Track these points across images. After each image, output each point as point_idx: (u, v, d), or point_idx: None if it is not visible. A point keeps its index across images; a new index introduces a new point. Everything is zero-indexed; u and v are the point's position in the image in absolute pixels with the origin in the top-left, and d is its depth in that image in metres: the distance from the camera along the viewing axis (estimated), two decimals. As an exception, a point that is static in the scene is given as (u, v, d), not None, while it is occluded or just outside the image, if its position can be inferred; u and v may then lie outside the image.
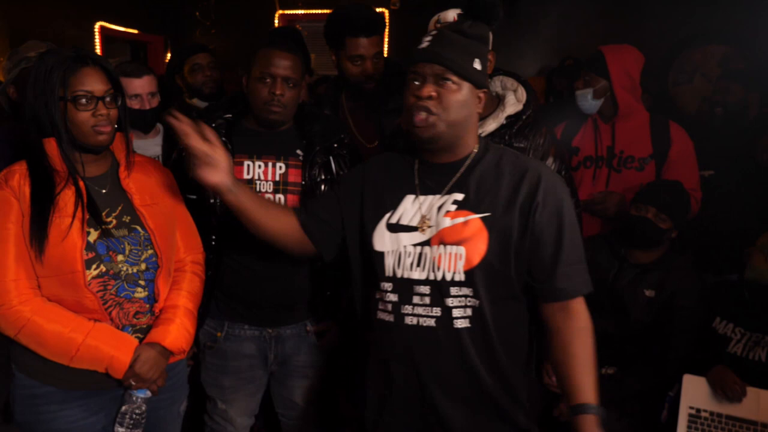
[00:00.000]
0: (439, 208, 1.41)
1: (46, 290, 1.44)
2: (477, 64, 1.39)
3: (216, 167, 1.42)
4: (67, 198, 1.43)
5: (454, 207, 1.40)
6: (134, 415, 1.54)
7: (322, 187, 1.89)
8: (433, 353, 1.40)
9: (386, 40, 4.63)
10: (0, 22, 3.57)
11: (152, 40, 4.95)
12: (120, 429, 1.54)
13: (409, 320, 1.40)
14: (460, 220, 1.38)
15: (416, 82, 1.39)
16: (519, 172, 1.41)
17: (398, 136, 2.07)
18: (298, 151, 1.88)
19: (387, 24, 4.55)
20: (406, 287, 1.41)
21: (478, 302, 1.37)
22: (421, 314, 1.39)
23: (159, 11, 4.80)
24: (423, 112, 1.36)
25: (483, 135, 1.79)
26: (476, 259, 1.36)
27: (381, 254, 1.44)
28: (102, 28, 4.36)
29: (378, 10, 4.47)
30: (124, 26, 4.57)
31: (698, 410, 2.06)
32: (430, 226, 1.40)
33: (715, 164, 2.75)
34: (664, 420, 2.14)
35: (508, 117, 1.84)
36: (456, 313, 1.37)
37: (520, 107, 1.85)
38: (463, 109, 1.39)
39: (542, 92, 4.06)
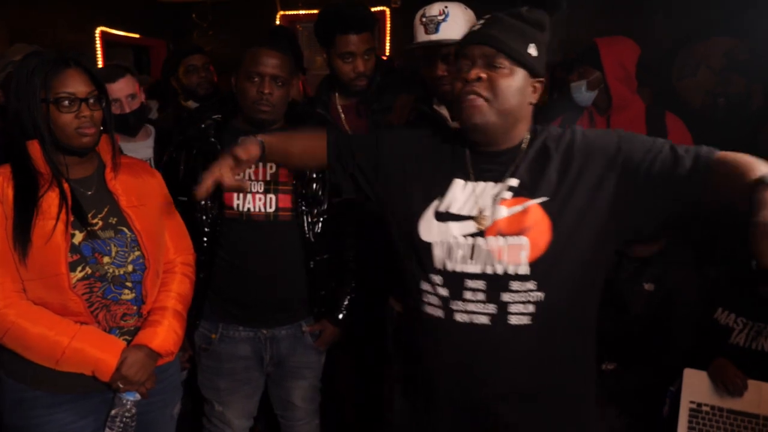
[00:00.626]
0: (494, 197, 1.29)
1: (32, 293, 1.44)
2: (533, 50, 1.27)
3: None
4: (50, 200, 1.42)
5: (509, 195, 1.28)
6: (124, 419, 1.53)
7: (314, 185, 1.88)
8: (488, 352, 1.28)
9: (387, 38, 4.63)
10: (0, 27, 3.60)
11: (154, 45, 4.97)
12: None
13: (459, 317, 1.28)
14: (518, 208, 1.26)
15: (465, 66, 1.28)
16: (564, 145, 1.29)
17: (389, 132, 2.06)
18: None
19: (388, 22, 4.56)
20: (456, 281, 1.29)
21: (543, 295, 1.24)
22: (474, 311, 1.27)
23: (160, 15, 4.82)
24: (473, 95, 1.25)
25: None
26: (542, 248, 1.23)
27: (428, 245, 1.32)
28: (103, 32, 4.39)
29: (379, 8, 4.50)
30: (125, 31, 4.59)
31: (699, 404, 2.03)
32: (487, 216, 1.28)
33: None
34: (666, 415, 2.12)
35: None
36: (513, 309, 1.25)
37: None
38: (516, 96, 1.26)
39: (546, 88, 4.03)
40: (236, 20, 4.58)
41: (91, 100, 1.44)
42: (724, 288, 2.21)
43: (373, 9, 4.29)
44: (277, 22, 4.60)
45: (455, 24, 1.71)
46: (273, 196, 1.85)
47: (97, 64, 4.06)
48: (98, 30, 4.36)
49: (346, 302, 1.98)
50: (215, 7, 4.62)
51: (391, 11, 4.51)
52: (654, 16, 4.08)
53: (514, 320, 1.25)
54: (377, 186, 1.43)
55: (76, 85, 1.41)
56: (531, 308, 1.24)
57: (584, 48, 2.42)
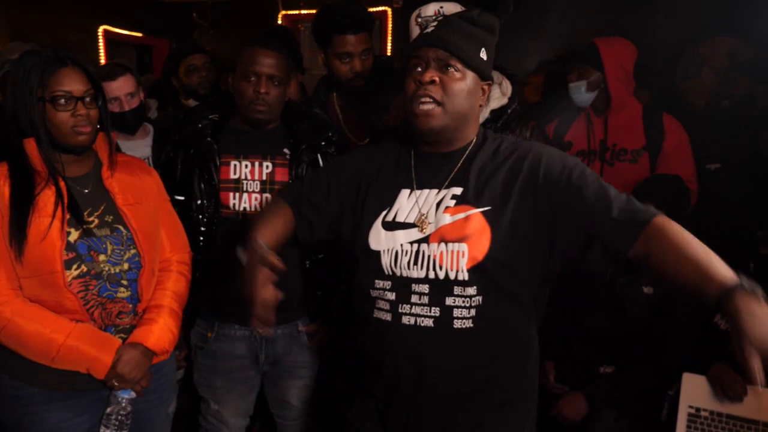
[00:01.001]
0: (438, 204, 1.35)
1: (28, 291, 1.44)
2: (483, 54, 1.33)
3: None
4: (46, 198, 1.43)
5: (453, 202, 1.33)
6: (119, 416, 1.54)
7: None
8: (432, 353, 1.33)
9: (389, 38, 4.62)
10: (2, 26, 3.60)
11: (157, 44, 4.97)
12: (105, 430, 1.54)
13: (406, 320, 1.34)
14: (461, 215, 1.31)
15: (418, 68, 1.32)
16: (515, 156, 1.34)
17: (387, 132, 2.06)
18: (285, 150, 1.87)
19: (390, 22, 4.55)
20: (403, 286, 1.34)
21: (481, 300, 1.30)
22: (419, 314, 1.33)
23: (163, 14, 4.82)
24: (428, 102, 1.30)
25: None
26: (480, 256, 1.28)
27: (376, 254, 1.38)
28: (105, 31, 4.39)
29: (381, 8, 4.49)
30: (128, 30, 4.59)
31: (698, 409, 2.02)
32: (429, 223, 1.34)
33: (722, 157, 2.70)
34: (664, 419, 2.10)
35: (493, 111, 1.81)
36: (456, 313, 1.31)
37: (504, 101, 1.82)
38: (467, 99, 1.33)
39: (538, 89, 4.02)
40: (238, 20, 4.57)
41: (87, 99, 1.44)
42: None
43: (374, 9, 4.32)
44: (279, 22, 4.60)
45: None
46: (269, 196, 1.85)
47: (99, 63, 4.07)
48: (101, 29, 4.36)
49: (340, 301, 1.97)
50: (216, 7, 4.61)
51: (392, 11, 4.49)
52: (656, 16, 4.06)
53: (457, 324, 1.30)
54: (333, 218, 1.51)
55: (72, 83, 1.42)
56: (473, 312, 1.30)
57: (583, 48, 2.42)
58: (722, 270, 1.10)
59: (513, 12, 1.85)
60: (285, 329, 1.95)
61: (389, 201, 1.40)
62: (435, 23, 1.35)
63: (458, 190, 1.34)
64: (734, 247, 2.29)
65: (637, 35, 2.47)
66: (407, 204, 1.38)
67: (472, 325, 1.30)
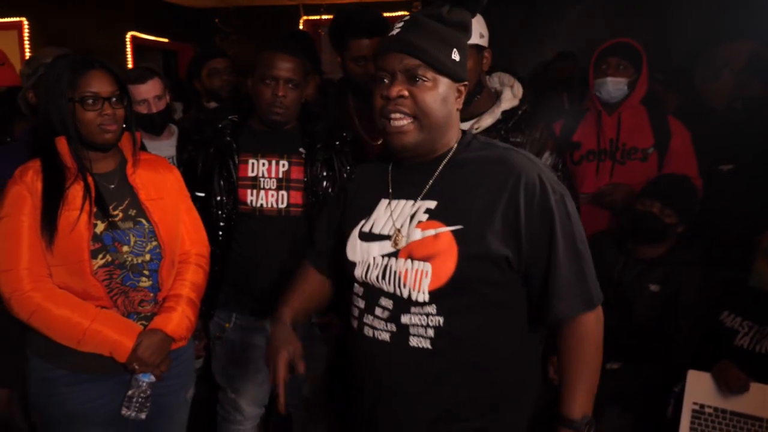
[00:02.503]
0: (412, 216, 1.26)
1: (57, 278, 1.54)
2: (455, 55, 1.21)
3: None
4: (75, 192, 1.53)
5: (425, 217, 1.24)
6: (140, 399, 1.62)
7: (324, 183, 1.96)
8: (388, 368, 1.29)
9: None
10: (39, 31, 3.77)
11: (182, 49, 5.13)
12: (126, 411, 1.62)
13: (366, 330, 1.30)
14: (431, 232, 1.22)
15: (385, 80, 1.21)
16: (501, 171, 1.22)
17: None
18: (301, 149, 1.96)
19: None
20: (373, 297, 1.30)
21: (442, 320, 1.22)
22: (377, 327, 1.29)
23: (188, 20, 4.97)
24: (400, 117, 1.20)
25: (479, 130, 1.83)
26: (443, 278, 1.20)
27: (352, 264, 1.34)
28: (133, 37, 4.56)
29: (400, 13, 4.57)
30: (155, 35, 4.76)
31: (702, 406, 2.05)
32: (403, 236, 1.26)
33: (737, 158, 2.72)
34: (670, 415, 2.13)
35: (504, 112, 1.87)
36: (413, 331, 1.24)
37: (515, 102, 1.88)
38: (442, 108, 1.22)
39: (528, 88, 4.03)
40: (260, 25, 4.71)
41: (114, 99, 1.54)
42: (732, 291, 2.22)
43: (394, 14, 4.40)
44: (300, 27, 4.71)
45: (473, 30, 1.76)
46: (285, 193, 1.93)
47: (127, 67, 4.22)
48: (129, 35, 4.53)
49: None
50: (239, 13, 4.75)
51: (411, 16, 4.57)
52: (671, 18, 4.07)
53: (413, 342, 1.24)
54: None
55: (99, 85, 1.52)
56: (431, 332, 1.23)
57: (624, 45, 2.45)
58: (580, 401, 1.24)
59: (528, 15, 1.89)
60: (299, 321, 2.03)
61: (368, 210, 1.35)
62: (400, 24, 1.23)
63: (432, 204, 1.25)
64: (741, 248, 2.33)
65: (652, 36, 2.51)
66: (384, 215, 1.32)
67: (430, 345, 1.23)
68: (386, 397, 1.31)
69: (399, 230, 1.27)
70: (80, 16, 4.11)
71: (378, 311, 1.29)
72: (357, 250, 1.33)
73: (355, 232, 1.35)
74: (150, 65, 2.50)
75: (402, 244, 1.26)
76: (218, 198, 1.94)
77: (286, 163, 1.95)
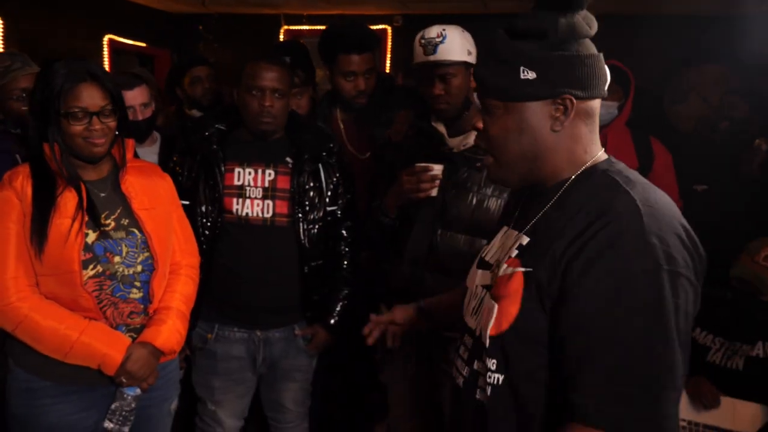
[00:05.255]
0: (510, 248, 1.10)
1: (44, 288, 1.51)
2: (528, 73, 1.02)
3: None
4: (67, 200, 1.50)
5: (515, 253, 1.06)
6: (124, 412, 1.60)
7: (311, 194, 1.97)
8: (457, 420, 1.16)
9: (388, 55, 4.75)
10: (11, 35, 3.69)
11: (159, 54, 5.07)
12: (109, 425, 1.59)
13: (452, 370, 1.17)
14: (510, 270, 1.04)
15: None
16: (594, 208, 0.97)
17: (387, 147, 2.16)
18: (288, 159, 1.96)
19: (390, 40, 4.68)
20: (462, 330, 1.16)
21: (503, 377, 1.03)
22: (458, 368, 1.14)
23: (166, 26, 4.93)
24: (482, 154, 1.12)
25: (466, 146, 1.86)
26: (505, 324, 1.02)
27: (466, 290, 1.21)
28: (111, 41, 4.48)
29: (381, 26, 4.62)
30: (133, 39, 4.69)
31: (676, 419, 2.11)
32: (499, 267, 1.09)
33: (710, 179, 2.82)
34: (645, 429, 2.19)
35: None
36: (480, 381, 1.07)
37: None
38: (516, 139, 1.05)
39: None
40: (242, 34, 4.69)
41: (104, 113, 1.50)
42: (705, 309, 2.29)
43: (375, 27, 4.44)
44: (281, 37, 4.71)
45: (452, 46, 1.80)
46: (270, 202, 1.94)
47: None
48: (106, 38, 4.46)
49: (338, 308, 2.05)
50: (222, 21, 4.73)
51: (392, 30, 4.63)
52: (644, 42, 4.20)
53: (479, 394, 1.08)
54: None
55: (88, 99, 1.48)
56: (489, 388, 1.05)
57: (612, 68, 2.52)
58: None
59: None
60: (282, 332, 2.03)
61: (493, 235, 1.22)
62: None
63: (526, 240, 1.07)
64: (713, 267, 2.42)
65: (625, 61, 2.58)
66: (498, 242, 1.18)
67: (490, 401, 1.05)
68: None
69: (498, 262, 1.10)
70: (57, 18, 4.03)
71: (461, 350, 1.14)
72: (470, 276, 1.20)
73: (477, 260, 1.22)
74: (143, 72, 2.47)
75: (496, 278, 1.09)
76: (203, 207, 1.93)
77: (273, 173, 1.95)
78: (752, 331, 2.14)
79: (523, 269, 1.02)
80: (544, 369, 1.00)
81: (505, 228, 1.18)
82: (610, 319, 0.91)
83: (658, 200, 0.98)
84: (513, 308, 1.01)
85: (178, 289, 1.70)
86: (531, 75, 1.03)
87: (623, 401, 0.89)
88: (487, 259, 1.17)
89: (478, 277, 1.15)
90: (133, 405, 1.61)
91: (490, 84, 1.06)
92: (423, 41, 1.81)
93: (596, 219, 0.95)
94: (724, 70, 4.29)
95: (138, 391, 1.60)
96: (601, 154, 1.08)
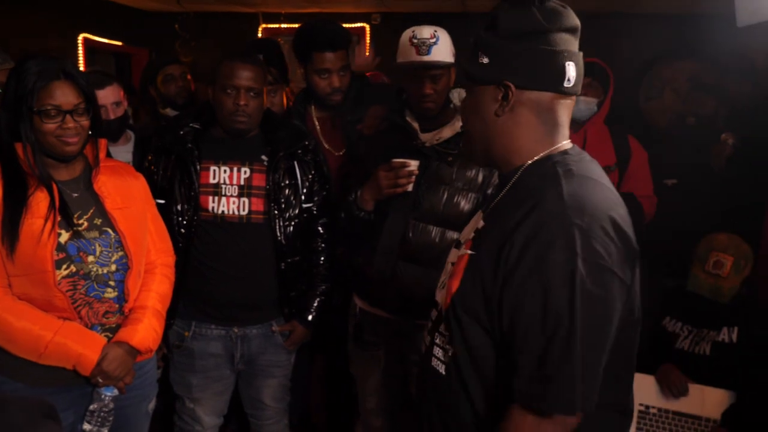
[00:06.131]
0: (471, 231, 1.17)
1: (18, 289, 1.50)
2: (483, 59, 1.08)
3: None
4: (39, 200, 1.49)
5: (472, 235, 1.13)
6: (102, 413, 1.59)
7: (286, 191, 1.98)
8: (423, 384, 1.22)
9: (367, 53, 4.76)
10: (-17, 32, 3.64)
11: (136, 53, 5.03)
12: (87, 426, 1.59)
13: (426, 339, 1.22)
14: (463, 251, 1.12)
15: None
16: (530, 200, 1.02)
17: (359, 141, 2.18)
18: (263, 157, 1.97)
19: (368, 37, 4.70)
20: (432, 306, 1.23)
21: (451, 351, 1.09)
22: (424, 338, 1.22)
23: (143, 24, 4.89)
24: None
25: (440, 141, 1.89)
26: (448, 299, 1.10)
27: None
28: (85, 39, 4.43)
29: (359, 24, 4.63)
30: (108, 38, 4.64)
31: (647, 407, 2.16)
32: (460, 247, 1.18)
33: (680, 173, 2.88)
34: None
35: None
36: (436, 351, 1.15)
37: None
38: (472, 116, 1.13)
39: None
40: (219, 32, 4.67)
41: (78, 111, 1.50)
42: (673, 297, 2.36)
43: (353, 25, 4.45)
44: (259, 35, 4.70)
45: (444, 47, 1.83)
46: (246, 200, 1.95)
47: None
48: (81, 36, 4.41)
49: (316, 304, 2.07)
50: (198, 19, 4.70)
51: (371, 27, 4.64)
52: (620, 37, 4.26)
53: (434, 362, 1.15)
54: None
55: (62, 97, 1.47)
56: (444, 358, 1.12)
57: (592, 65, 2.52)
58: None
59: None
60: (259, 329, 2.04)
61: (461, 229, 1.31)
62: None
63: (481, 224, 1.13)
64: (681, 260, 2.47)
65: (602, 56, 2.62)
66: (470, 224, 1.24)
67: (444, 372, 1.12)
68: (426, 412, 1.20)
69: (462, 243, 1.18)
70: (30, 16, 3.97)
71: (429, 322, 1.21)
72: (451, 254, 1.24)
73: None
74: (106, 71, 2.46)
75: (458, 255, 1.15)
76: (179, 206, 1.93)
77: (248, 170, 1.96)
78: (717, 318, 2.20)
79: (469, 252, 1.09)
80: (486, 347, 1.05)
81: (480, 211, 1.23)
82: (534, 307, 0.96)
83: (589, 194, 1.02)
84: (455, 285, 1.08)
85: (154, 288, 1.70)
86: (485, 60, 1.08)
87: (549, 385, 0.95)
88: (460, 239, 1.23)
89: (451, 255, 1.21)
90: (111, 406, 1.60)
91: (463, 67, 1.14)
92: (416, 41, 1.81)
93: (529, 210, 1.00)
94: (697, 66, 4.38)
95: (115, 391, 1.60)
96: (561, 145, 1.11)
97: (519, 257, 0.98)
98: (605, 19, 4.24)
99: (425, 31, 1.82)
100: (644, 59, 4.43)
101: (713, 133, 3.00)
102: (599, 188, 1.05)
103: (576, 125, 2.53)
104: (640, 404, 2.17)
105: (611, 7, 4.07)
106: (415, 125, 1.93)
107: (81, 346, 1.52)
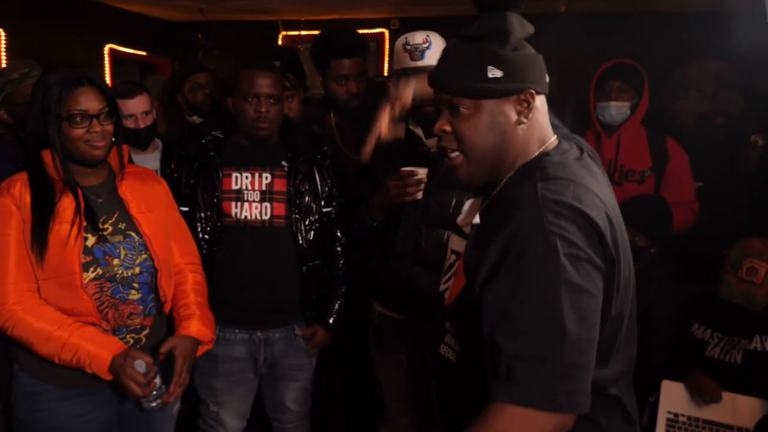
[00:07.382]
0: (469, 224, 1.19)
1: (45, 293, 1.54)
2: (494, 72, 1.09)
3: None
4: (65, 206, 1.53)
5: (469, 229, 1.18)
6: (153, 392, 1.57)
7: (306, 196, 1.99)
8: (435, 370, 1.26)
9: (386, 58, 4.78)
10: (12, 45, 3.73)
11: (160, 62, 5.12)
12: (149, 405, 1.56)
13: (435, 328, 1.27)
14: (461, 249, 1.18)
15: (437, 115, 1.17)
16: (511, 199, 1.07)
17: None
18: (284, 162, 1.99)
19: (387, 43, 4.72)
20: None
21: (457, 343, 1.14)
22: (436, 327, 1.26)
23: (166, 34, 4.98)
24: (449, 151, 1.14)
25: (432, 150, 1.86)
26: (452, 297, 1.15)
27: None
28: (111, 50, 4.53)
29: (378, 30, 4.65)
30: (133, 48, 4.74)
31: (676, 415, 2.12)
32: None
33: (708, 176, 2.81)
34: (645, 424, 2.19)
35: None
36: (447, 338, 1.18)
37: None
38: (488, 134, 1.10)
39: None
40: (240, 40, 4.73)
41: (102, 116, 1.54)
42: (702, 304, 2.30)
43: (372, 31, 4.47)
44: (279, 43, 4.75)
45: (437, 51, 1.81)
46: (268, 205, 1.97)
47: (105, 80, 4.20)
48: (107, 47, 4.51)
49: (336, 307, 2.08)
50: (220, 28, 4.77)
51: (389, 33, 4.66)
52: (644, 40, 4.20)
53: (443, 349, 1.17)
54: None
55: (87, 102, 1.51)
56: (451, 349, 1.16)
57: (626, 68, 2.44)
58: None
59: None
60: (282, 333, 2.05)
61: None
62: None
63: (478, 219, 1.16)
64: (710, 263, 2.42)
65: (626, 56, 2.55)
66: (466, 211, 1.27)
67: (454, 359, 1.15)
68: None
69: (463, 228, 1.20)
70: (58, 28, 4.08)
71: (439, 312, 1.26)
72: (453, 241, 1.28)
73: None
74: (159, 79, 2.50)
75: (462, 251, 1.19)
76: (202, 213, 1.96)
77: (269, 176, 1.98)
78: (749, 326, 2.14)
79: (463, 250, 1.12)
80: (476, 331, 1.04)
81: (473, 199, 1.25)
82: (514, 305, 0.97)
83: (563, 192, 1.04)
84: (460, 283, 1.09)
85: (189, 284, 1.76)
86: (498, 73, 1.09)
87: (531, 380, 0.95)
88: (461, 225, 1.24)
89: (452, 242, 1.24)
90: (156, 380, 1.56)
91: (458, 85, 1.11)
92: (409, 47, 1.82)
93: (509, 210, 1.03)
94: (724, 66, 4.30)
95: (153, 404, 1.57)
96: (550, 143, 1.16)
97: (499, 259, 1.01)
98: (628, 19, 4.20)
99: (417, 37, 1.83)
100: (667, 59, 4.36)
101: (742, 134, 2.92)
102: (572, 187, 1.06)
103: (609, 130, 2.46)
104: (669, 412, 2.12)
105: (633, 8, 4.02)
106: (419, 132, 1.92)
107: (95, 347, 1.53)
